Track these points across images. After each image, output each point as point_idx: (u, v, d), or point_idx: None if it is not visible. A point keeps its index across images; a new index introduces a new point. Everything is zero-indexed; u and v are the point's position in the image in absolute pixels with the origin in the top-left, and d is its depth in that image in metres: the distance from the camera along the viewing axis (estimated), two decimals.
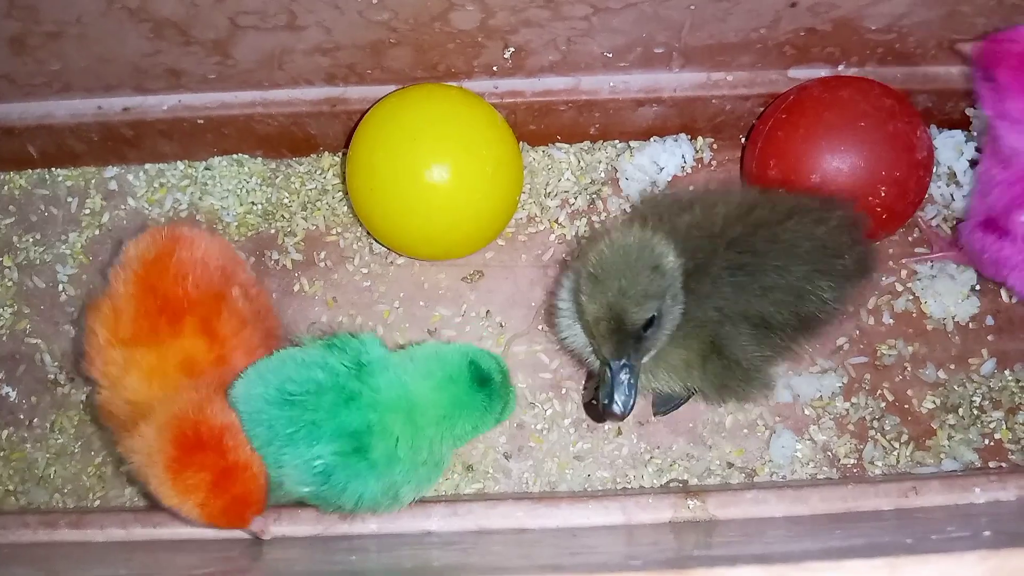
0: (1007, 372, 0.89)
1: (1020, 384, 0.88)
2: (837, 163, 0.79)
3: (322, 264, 0.92)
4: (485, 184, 0.82)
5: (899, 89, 0.88)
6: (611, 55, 0.88)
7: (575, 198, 0.95)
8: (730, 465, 0.86)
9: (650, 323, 0.68)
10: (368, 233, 0.90)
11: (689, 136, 0.96)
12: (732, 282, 0.72)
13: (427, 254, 0.88)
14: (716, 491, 0.79)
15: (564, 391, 0.88)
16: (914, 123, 0.81)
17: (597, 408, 0.73)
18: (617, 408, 0.69)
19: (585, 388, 0.88)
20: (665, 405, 0.86)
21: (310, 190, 0.94)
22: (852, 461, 0.86)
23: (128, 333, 0.73)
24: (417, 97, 0.83)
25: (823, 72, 0.90)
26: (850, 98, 0.80)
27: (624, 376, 0.69)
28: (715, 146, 0.97)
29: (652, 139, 0.96)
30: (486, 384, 0.75)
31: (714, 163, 0.96)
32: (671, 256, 0.70)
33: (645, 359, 0.71)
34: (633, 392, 0.69)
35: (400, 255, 0.91)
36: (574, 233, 0.93)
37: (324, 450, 0.69)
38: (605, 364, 0.69)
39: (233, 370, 0.74)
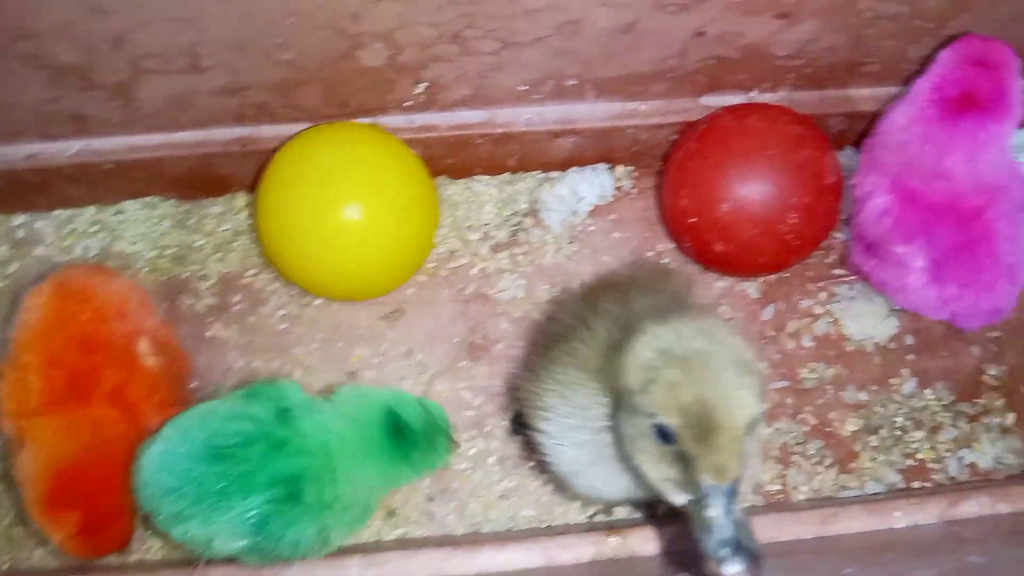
0: (928, 391, 0.89)
1: (942, 403, 0.89)
2: (746, 192, 0.80)
3: (237, 308, 0.90)
4: (398, 221, 0.81)
5: (811, 114, 0.89)
6: (524, 88, 0.88)
7: (497, 230, 0.94)
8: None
9: (754, 424, 0.52)
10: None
11: (609, 165, 0.96)
12: None
13: (342, 294, 0.87)
14: (638, 527, 0.78)
15: (488, 429, 0.87)
16: (823, 149, 0.81)
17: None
18: (743, 564, 0.48)
19: (513, 424, 0.86)
20: None
21: (224, 231, 0.92)
22: (777, 487, 0.86)
23: (34, 404, 0.71)
24: (325, 137, 0.82)
25: (737, 99, 0.90)
26: (758, 126, 0.81)
27: (741, 512, 0.50)
28: (635, 174, 0.97)
29: (571, 169, 0.96)
30: (404, 434, 0.75)
31: (635, 191, 0.96)
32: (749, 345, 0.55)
33: (744, 488, 0.52)
34: (753, 533, 0.50)
35: (316, 296, 0.90)
36: (496, 266, 0.92)
37: (258, 500, 0.68)
38: (705, 497, 0.50)
39: (148, 431, 0.73)
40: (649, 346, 0.53)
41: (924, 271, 0.81)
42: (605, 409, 0.60)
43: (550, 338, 0.69)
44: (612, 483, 0.62)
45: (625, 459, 0.57)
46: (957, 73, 0.80)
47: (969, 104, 0.78)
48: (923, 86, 0.81)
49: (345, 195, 0.79)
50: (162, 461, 0.69)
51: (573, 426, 0.61)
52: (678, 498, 0.53)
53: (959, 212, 0.80)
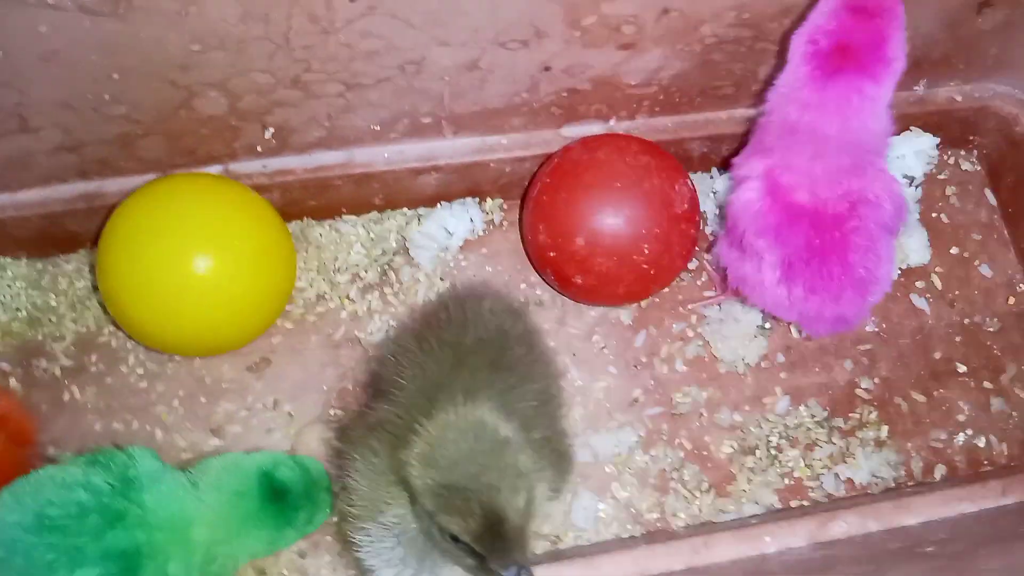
0: (802, 408, 0.90)
1: (816, 419, 0.90)
2: (598, 224, 0.79)
3: (94, 368, 0.87)
4: (249, 270, 0.79)
5: (671, 139, 0.90)
6: (379, 127, 0.86)
7: (366, 271, 0.92)
8: (536, 533, 0.84)
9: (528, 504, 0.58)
10: None
11: (478, 199, 0.95)
12: None
13: (196, 350, 0.84)
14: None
15: None
16: (673, 177, 0.81)
17: None
18: None
19: None
20: None
21: (79, 289, 0.89)
22: (655, 515, 0.85)
23: None
24: (165, 189, 0.79)
25: (596, 128, 0.90)
26: (607, 158, 0.80)
27: None
28: (505, 207, 0.96)
29: (439, 205, 0.94)
30: (282, 497, 0.72)
31: (506, 223, 0.96)
32: (505, 423, 0.60)
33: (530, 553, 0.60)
34: None
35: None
36: (366, 307, 0.91)
37: (89, 574, 0.65)
38: None
39: None
40: (423, 469, 0.58)
41: (776, 268, 0.79)
42: (408, 511, 0.63)
43: (345, 455, 0.70)
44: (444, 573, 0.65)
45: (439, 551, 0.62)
46: (832, 22, 0.72)
47: (843, 57, 0.72)
48: (798, 41, 0.74)
49: (190, 247, 0.77)
50: None
51: (388, 548, 0.64)
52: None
53: (819, 216, 0.78)
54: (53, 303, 0.89)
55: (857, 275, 0.78)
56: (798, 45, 0.74)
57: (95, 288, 0.89)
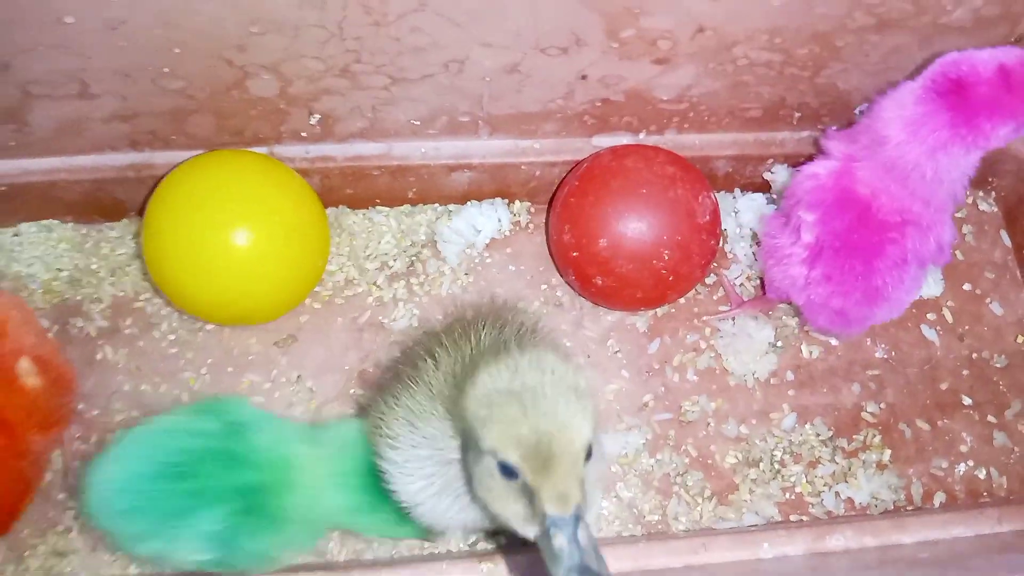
0: (807, 426, 0.92)
1: (820, 438, 0.91)
2: (622, 228, 0.82)
3: (127, 331, 0.90)
4: (284, 247, 0.83)
5: (697, 156, 0.93)
6: (418, 123, 0.90)
7: (394, 260, 0.96)
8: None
9: (591, 450, 0.53)
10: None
11: (506, 200, 0.98)
12: None
13: (228, 319, 0.88)
14: (510, 554, 0.79)
15: None
16: (696, 189, 0.84)
17: None
18: None
19: None
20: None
21: (119, 255, 0.93)
22: (656, 517, 0.87)
23: None
24: (212, 163, 0.83)
25: (625, 140, 0.93)
26: (634, 166, 0.83)
27: (586, 537, 0.50)
28: (532, 210, 0.99)
29: (470, 203, 0.98)
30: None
31: (531, 226, 0.99)
32: (576, 370, 0.56)
33: (590, 517, 0.53)
34: (603, 559, 0.50)
35: (208, 322, 0.91)
36: (392, 295, 0.94)
37: (218, 513, 0.69)
38: (550, 528, 0.51)
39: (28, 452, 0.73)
40: (484, 386, 0.54)
41: (808, 247, 0.82)
42: (455, 442, 0.61)
43: (402, 367, 0.71)
44: (459, 515, 0.63)
45: (476, 496, 0.58)
46: (984, 70, 0.76)
47: (964, 103, 0.75)
48: (940, 65, 0.78)
49: (231, 220, 0.80)
50: (116, 483, 0.69)
51: (421, 457, 0.62)
52: (528, 531, 0.54)
53: (868, 214, 0.80)
54: (94, 267, 0.93)
55: (874, 283, 0.80)
56: (935, 68, 0.78)
57: (135, 255, 0.93)
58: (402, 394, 0.65)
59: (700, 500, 0.88)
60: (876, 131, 0.80)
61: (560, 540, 0.50)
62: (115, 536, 0.71)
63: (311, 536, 0.75)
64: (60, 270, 0.92)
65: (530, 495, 0.52)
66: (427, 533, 0.78)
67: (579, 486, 0.51)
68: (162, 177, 0.89)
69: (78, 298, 0.92)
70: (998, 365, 0.97)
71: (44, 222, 0.94)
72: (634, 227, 0.82)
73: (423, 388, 0.64)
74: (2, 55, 0.74)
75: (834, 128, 0.87)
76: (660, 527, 0.87)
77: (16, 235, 0.94)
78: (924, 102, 0.77)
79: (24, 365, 0.77)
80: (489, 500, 0.55)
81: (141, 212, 0.94)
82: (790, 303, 0.90)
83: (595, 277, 0.85)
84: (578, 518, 0.51)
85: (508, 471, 0.52)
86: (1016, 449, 0.93)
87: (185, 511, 0.68)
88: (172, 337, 0.91)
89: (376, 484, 0.70)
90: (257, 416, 0.74)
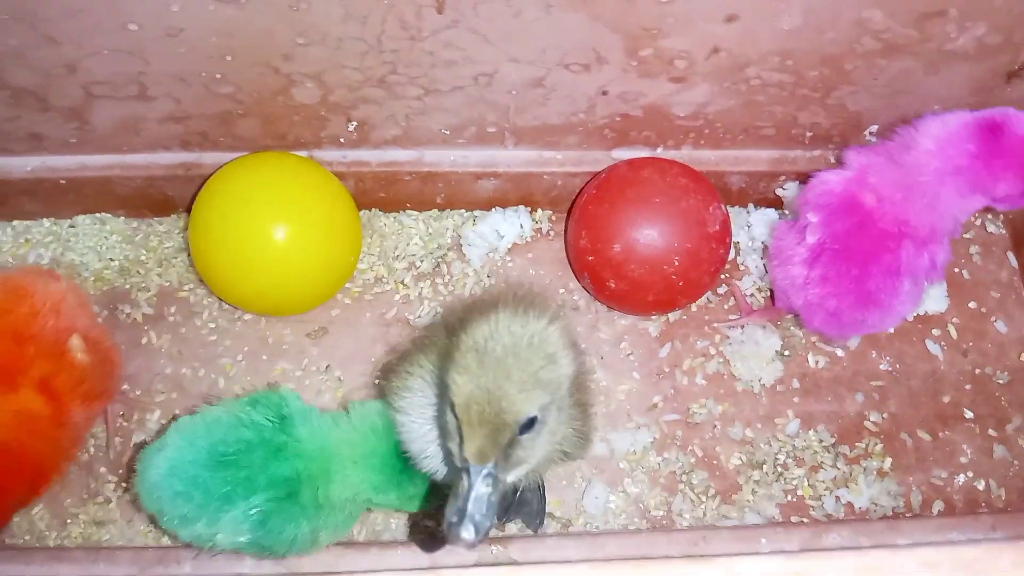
0: (811, 432, 0.96)
1: (823, 444, 0.95)
2: (635, 235, 0.87)
3: (171, 318, 0.97)
4: (318, 244, 0.89)
5: (712, 171, 0.97)
6: (448, 132, 0.96)
7: (421, 261, 1.02)
8: (549, 515, 0.91)
9: (530, 424, 0.56)
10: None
11: (529, 208, 1.04)
12: None
13: (264, 309, 0.94)
14: (519, 538, 0.84)
15: None
16: (707, 200, 0.89)
17: (437, 529, 0.60)
18: (468, 533, 0.53)
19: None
20: (536, 517, 0.87)
21: (167, 248, 1.00)
22: (661, 513, 0.91)
23: None
24: (256, 164, 0.90)
25: (643, 153, 0.99)
26: (649, 177, 0.89)
27: (485, 488, 0.55)
28: (553, 218, 1.04)
29: (494, 209, 1.03)
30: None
31: (552, 233, 1.04)
32: (568, 354, 0.59)
33: (510, 477, 0.58)
34: (492, 513, 0.55)
35: (246, 312, 0.97)
36: (417, 293, 1.00)
37: (259, 499, 0.74)
38: (461, 471, 0.56)
39: (69, 423, 0.79)
40: (470, 336, 0.58)
41: (810, 249, 0.87)
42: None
43: (421, 337, 0.77)
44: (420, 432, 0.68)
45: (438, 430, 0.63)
46: (1012, 119, 0.82)
47: (992, 139, 0.81)
48: (979, 117, 0.83)
49: (272, 217, 0.87)
50: (170, 468, 0.74)
51: (423, 403, 0.68)
52: (454, 464, 0.58)
53: (870, 221, 0.85)
54: (143, 258, 0.99)
55: (867, 287, 0.85)
56: (995, 110, 0.83)
57: (181, 248, 1.00)
58: (416, 354, 0.71)
59: (704, 498, 0.92)
60: (911, 135, 0.85)
61: (464, 484, 0.55)
62: (161, 517, 0.76)
63: (347, 521, 0.79)
64: (111, 260, 0.99)
65: (462, 437, 0.57)
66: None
67: (499, 449, 0.55)
68: (208, 176, 0.95)
69: (127, 286, 0.98)
70: (1000, 381, 1.00)
71: (98, 215, 1.01)
72: (647, 233, 0.87)
73: (434, 350, 0.70)
74: (70, 58, 0.81)
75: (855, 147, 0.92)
76: (664, 523, 0.91)
77: (72, 226, 1.01)
78: (966, 128, 0.83)
79: (75, 342, 0.83)
80: (441, 433, 0.61)
81: (189, 208, 1.01)
82: (797, 315, 0.95)
83: (609, 280, 0.90)
84: (491, 474, 0.55)
85: (455, 412, 0.57)
86: (1016, 462, 0.96)
87: (230, 497, 0.73)
88: (212, 325, 0.97)
89: (401, 461, 0.76)
90: (304, 409, 0.79)
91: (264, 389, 0.81)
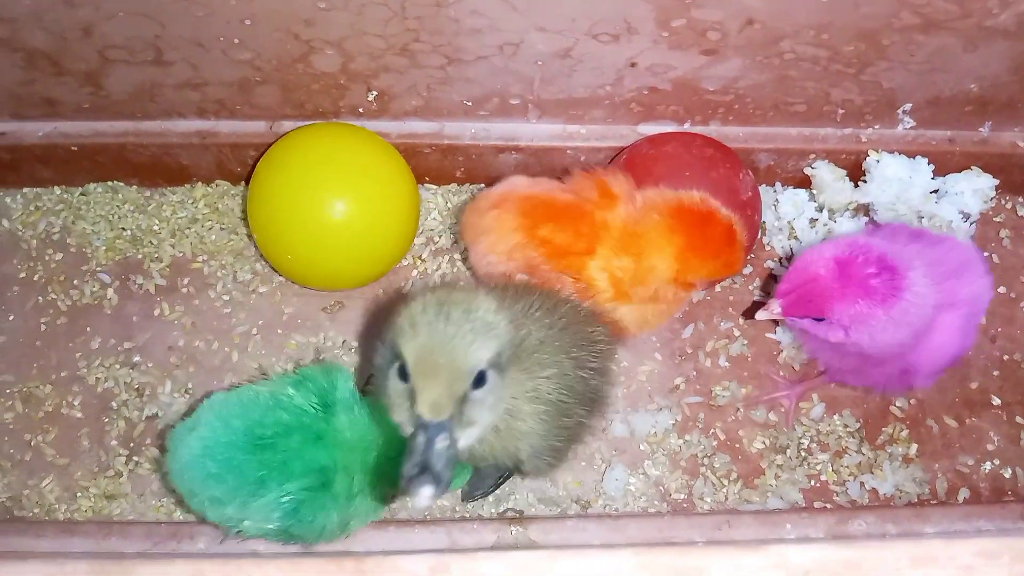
0: (836, 417, 0.94)
1: (847, 429, 0.93)
2: None
3: (184, 290, 0.95)
4: (386, 217, 0.87)
5: (741, 148, 0.95)
6: (470, 103, 0.93)
7: (440, 236, 0.99)
8: (568, 496, 0.89)
9: (480, 380, 0.57)
10: (259, 262, 0.96)
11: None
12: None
13: (323, 283, 0.92)
14: (538, 519, 0.82)
15: None
16: (736, 168, 0.87)
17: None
18: (428, 485, 0.53)
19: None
20: (479, 488, 0.87)
21: (180, 218, 0.98)
22: (682, 496, 0.90)
23: None
24: (320, 134, 0.88)
25: (670, 128, 0.96)
26: (674, 152, 0.86)
27: (442, 443, 0.54)
28: None
29: None
30: None
31: None
32: (503, 317, 0.60)
33: (463, 440, 0.57)
34: (451, 467, 0.54)
35: (262, 285, 0.95)
36: (435, 267, 0.98)
37: (293, 486, 0.71)
38: (418, 428, 0.55)
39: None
40: (414, 307, 0.58)
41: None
42: None
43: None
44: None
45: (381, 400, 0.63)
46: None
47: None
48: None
49: (337, 190, 0.85)
50: (204, 448, 0.71)
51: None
52: (407, 430, 0.57)
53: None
54: (156, 228, 0.97)
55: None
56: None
57: (194, 219, 0.98)
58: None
59: (726, 482, 0.90)
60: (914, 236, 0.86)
61: (420, 439, 0.54)
62: (191, 498, 0.73)
63: (378, 509, 0.77)
64: (124, 229, 0.97)
65: (413, 398, 0.56)
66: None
67: (454, 401, 0.55)
68: (224, 145, 0.94)
69: (139, 256, 0.96)
70: None
71: (110, 183, 0.99)
72: None
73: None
74: (85, 20, 0.79)
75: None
76: (685, 506, 0.89)
77: (84, 194, 0.99)
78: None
79: None
80: (388, 402, 0.60)
81: (202, 178, 0.99)
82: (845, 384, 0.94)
83: None
84: (445, 428, 0.55)
85: (404, 374, 0.57)
86: None
87: (264, 482, 0.70)
88: (226, 298, 0.95)
89: None
90: (349, 397, 0.75)
91: (314, 364, 0.77)
